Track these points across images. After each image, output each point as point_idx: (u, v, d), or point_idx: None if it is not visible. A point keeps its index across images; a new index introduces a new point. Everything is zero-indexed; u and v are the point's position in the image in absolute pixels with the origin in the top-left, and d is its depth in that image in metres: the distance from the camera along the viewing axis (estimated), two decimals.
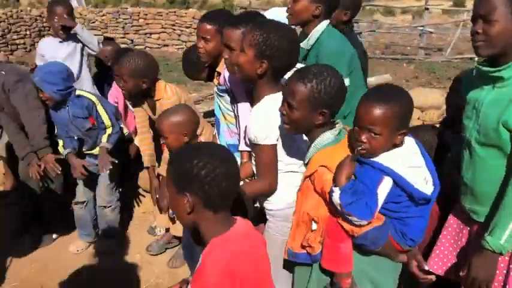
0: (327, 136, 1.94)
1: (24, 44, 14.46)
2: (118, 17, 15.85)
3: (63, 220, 4.07)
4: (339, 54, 2.66)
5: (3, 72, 3.42)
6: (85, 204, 3.83)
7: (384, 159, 1.81)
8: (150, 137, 3.53)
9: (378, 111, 1.73)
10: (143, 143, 3.52)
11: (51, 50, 4.00)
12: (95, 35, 14.06)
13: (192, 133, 2.70)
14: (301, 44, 2.54)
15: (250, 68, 2.14)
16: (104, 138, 3.51)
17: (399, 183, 1.79)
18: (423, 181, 1.84)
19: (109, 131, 3.52)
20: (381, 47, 15.81)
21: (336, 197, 1.79)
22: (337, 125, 1.99)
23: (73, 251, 3.94)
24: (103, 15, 16.08)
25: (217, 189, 1.48)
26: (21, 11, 15.02)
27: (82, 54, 4.07)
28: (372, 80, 7.20)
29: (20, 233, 4.03)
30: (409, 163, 1.83)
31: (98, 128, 3.53)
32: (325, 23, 2.75)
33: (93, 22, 15.98)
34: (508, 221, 1.88)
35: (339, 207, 1.81)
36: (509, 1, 1.80)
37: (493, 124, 1.94)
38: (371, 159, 1.82)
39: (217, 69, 2.78)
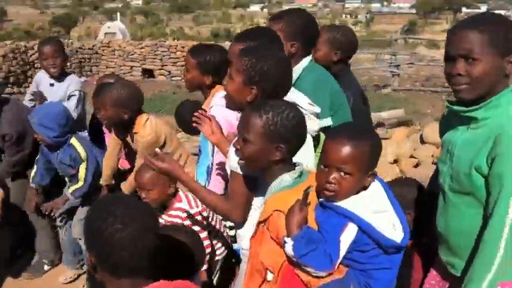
0: (285, 178, 1.79)
1: None
2: (156, 50, 16.16)
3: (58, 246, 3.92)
4: (317, 91, 2.49)
5: None
6: (64, 229, 3.68)
7: (347, 203, 1.64)
8: (115, 159, 3.44)
9: (350, 149, 1.60)
10: (107, 162, 3.44)
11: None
12: (133, 67, 14.38)
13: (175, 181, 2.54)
14: None
15: (239, 95, 2.05)
16: (71, 189, 3.41)
17: (366, 230, 1.60)
18: (391, 227, 1.63)
19: (79, 184, 3.40)
20: (420, 79, 15.54)
21: (289, 248, 1.62)
22: (297, 167, 1.82)
23: (61, 280, 3.79)
24: (142, 47, 16.43)
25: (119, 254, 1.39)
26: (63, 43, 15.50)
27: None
28: (384, 116, 6.89)
29: (11, 258, 3.91)
30: (375, 207, 1.64)
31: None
32: (306, 60, 2.62)
33: (132, 54, 16.33)
34: (482, 277, 1.57)
35: (293, 259, 1.63)
36: (490, 37, 1.61)
37: (466, 169, 1.71)
38: (334, 203, 1.65)
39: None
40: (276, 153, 1.76)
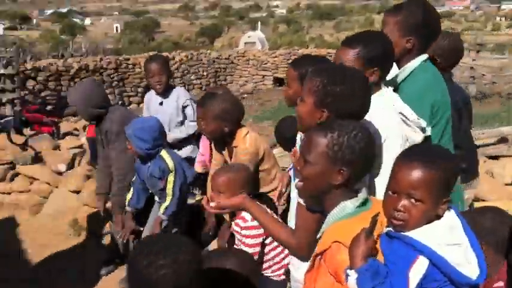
0: (347, 206, 1.66)
1: (200, 84, 15.50)
2: (289, 58, 16.17)
3: None
4: (423, 95, 2.27)
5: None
6: None
7: (418, 234, 1.49)
8: None
9: (421, 173, 1.47)
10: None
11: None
12: (265, 75, 14.54)
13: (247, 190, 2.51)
14: (390, 77, 2.30)
15: (309, 118, 1.89)
16: (162, 208, 3.33)
17: (438, 265, 1.45)
18: (466, 262, 1.47)
19: (167, 201, 3.30)
20: None
21: (352, 281, 1.48)
22: (360, 194, 1.68)
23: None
24: (275, 56, 16.56)
25: None
26: (201, 53, 16.18)
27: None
28: (504, 130, 5.94)
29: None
30: (449, 239, 1.49)
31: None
32: (419, 59, 2.35)
33: (266, 63, 16.54)
34: None
35: None
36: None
37: None
38: (403, 233, 1.50)
39: None
40: (337, 177, 1.63)
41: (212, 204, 2.14)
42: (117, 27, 74.36)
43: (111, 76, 13.42)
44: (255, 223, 2.39)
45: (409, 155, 1.54)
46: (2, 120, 5.18)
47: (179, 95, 3.93)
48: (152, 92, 3.99)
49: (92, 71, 12.82)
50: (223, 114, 2.93)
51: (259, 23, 37.98)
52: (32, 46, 24.85)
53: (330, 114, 1.84)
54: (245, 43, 25.16)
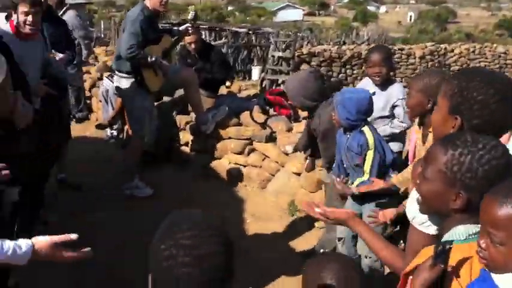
0: (458, 231, 1.46)
1: None
2: None
3: None
4: None
5: None
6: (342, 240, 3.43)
7: (502, 280, 1.29)
8: None
9: (504, 212, 1.27)
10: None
11: None
12: None
13: None
14: None
15: (442, 125, 1.73)
16: (357, 181, 3.17)
17: None
18: None
19: (364, 177, 3.11)
20: None
21: None
22: None
23: None
24: None
25: None
26: (485, 47, 14.77)
27: None
28: None
29: None
30: None
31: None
32: None
33: None
34: None
35: None
36: None
37: None
38: (490, 273, 1.31)
39: None
40: (455, 201, 1.45)
41: (318, 210, 1.99)
42: (410, 16, 73.40)
43: None
44: None
45: (500, 188, 1.32)
46: (254, 100, 5.69)
47: (394, 91, 3.77)
48: (369, 80, 3.89)
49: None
50: (426, 88, 2.73)
51: None
52: (320, 32, 26.42)
53: (463, 123, 1.63)
54: None
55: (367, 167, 3.11)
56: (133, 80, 4.58)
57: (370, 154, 3.12)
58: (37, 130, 2.53)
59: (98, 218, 4.34)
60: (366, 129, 3.19)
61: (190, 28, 5.00)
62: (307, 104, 3.54)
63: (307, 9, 78.08)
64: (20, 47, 3.51)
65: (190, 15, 5.25)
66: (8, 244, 1.60)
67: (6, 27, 3.63)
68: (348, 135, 3.22)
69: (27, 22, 3.59)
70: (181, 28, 5.02)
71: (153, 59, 4.50)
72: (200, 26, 17.98)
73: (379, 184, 2.98)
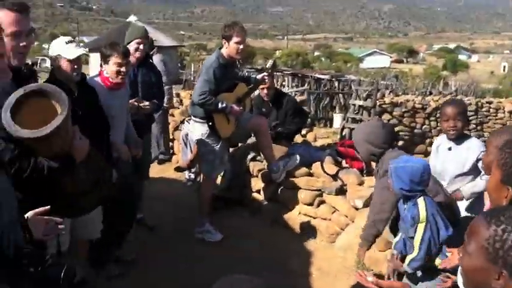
0: None
1: None
2: None
3: None
4: None
5: None
6: None
7: None
8: None
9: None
10: None
11: None
12: None
13: None
14: None
15: (495, 194, 1.70)
16: (407, 259, 3.01)
17: None
18: None
19: (413, 254, 2.96)
20: None
21: None
22: None
23: None
24: None
25: None
26: None
27: None
28: None
29: None
30: None
31: None
32: None
33: None
34: None
35: None
36: None
37: None
38: None
39: None
40: (497, 280, 1.38)
41: (370, 279, 1.94)
42: (504, 67, 70.47)
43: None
44: None
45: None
46: (327, 150, 5.69)
47: (473, 146, 3.68)
48: (444, 136, 3.84)
49: None
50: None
51: None
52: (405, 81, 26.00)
53: None
54: None
55: (416, 241, 2.97)
56: (206, 125, 4.75)
57: (420, 228, 2.98)
58: (97, 168, 2.63)
59: (167, 260, 4.48)
60: (420, 200, 3.06)
61: (266, 77, 5.14)
62: (373, 151, 3.51)
63: (395, 56, 77.36)
64: (108, 97, 3.82)
65: (268, 64, 5.42)
66: None
67: (97, 78, 3.96)
68: (405, 206, 3.13)
69: (120, 73, 3.88)
70: (258, 77, 5.16)
71: (223, 105, 4.64)
72: (283, 72, 18.39)
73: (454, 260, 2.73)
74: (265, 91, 5.68)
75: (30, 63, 7.89)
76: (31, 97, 2.12)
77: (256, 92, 6.25)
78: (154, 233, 5.03)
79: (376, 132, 3.51)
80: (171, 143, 7.95)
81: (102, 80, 3.92)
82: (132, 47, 4.54)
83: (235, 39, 4.60)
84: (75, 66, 3.37)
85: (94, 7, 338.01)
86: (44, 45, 58.78)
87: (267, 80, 5.24)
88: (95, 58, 26.05)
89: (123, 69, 3.87)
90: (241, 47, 4.63)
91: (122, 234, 4.14)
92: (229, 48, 4.65)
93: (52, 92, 2.19)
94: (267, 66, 5.40)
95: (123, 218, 4.02)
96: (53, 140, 2.18)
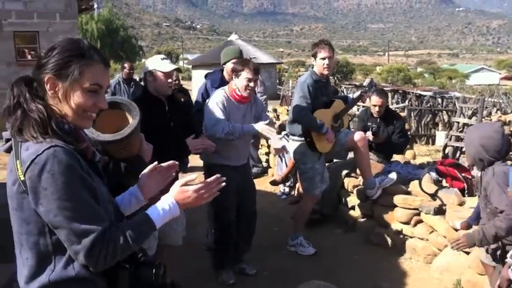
0: None
1: None
2: None
3: None
4: None
5: None
6: None
7: None
8: None
9: None
10: None
11: None
12: None
13: None
14: None
15: None
16: None
17: None
18: None
19: None
20: None
21: None
22: None
23: None
24: None
25: None
26: None
27: None
28: None
29: None
30: None
31: None
32: None
33: None
34: None
35: None
36: None
37: None
38: None
39: None
40: None
41: None
42: None
43: None
44: None
45: None
46: (426, 168, 5.48)
47: None
48: None
49: None
50: None
51: None
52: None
53: None
54: None
55: None
56: (304, 142, 4.78)
57: None
58: None
59: (259, 272, 4.56)
60: None
61: (364, 95, 5.09)
62: (483, 157, 3.17)
63: (504, 72, 72.69)
64: (232, 109, 4.12)
65: (366, 82, 5.37)
66: (157, 210, 1.68)
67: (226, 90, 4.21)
68: None
69: (248, 87, 4.06)
70: (355, 95, 5.13)
71: (321, 122, 4.64)
72: (383, 88, 17.98)
73: None
74: (376, 109, 5.63)
75: (138, 79, 8.42)
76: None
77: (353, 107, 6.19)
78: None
79: (494, 138, 3.19)
80: (266, 157, 8.10)
81: (230, 92, 4.13)
82: (228, 67, 4.71)
83: (320, 55, 4.65)
84: (169, 80, 3.67)
85: (198, 26, 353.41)
86: None
87: (363, 97, 5.17)
88: (197, 74, 27.06)
89: (251, 84, 4.06)
90: (326, 62, 4.65)
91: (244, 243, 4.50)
92: (317, 65, 4.71)
93: (124, 104, 2.59)
94: (364, 84, 5.36)
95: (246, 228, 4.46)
96: (127, 143, 2.52)
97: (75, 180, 1.49)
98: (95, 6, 25.59)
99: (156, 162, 1.91)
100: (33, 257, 1.55)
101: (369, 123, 5.71)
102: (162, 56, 3.79)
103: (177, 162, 1.93)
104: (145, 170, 1.89)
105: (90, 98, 1.60)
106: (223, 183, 1.77)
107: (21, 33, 13.21)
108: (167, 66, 3.65)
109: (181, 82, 8.31)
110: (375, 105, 5.61)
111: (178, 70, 4.18)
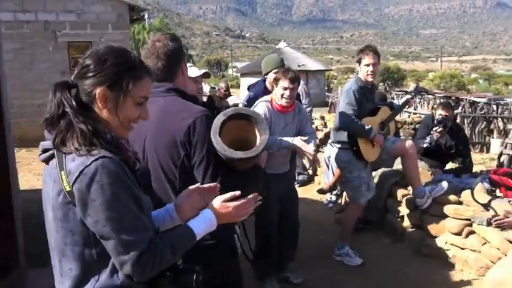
0: None
1: None
2: None
3: None
4: None
5: None
6: None
7: None
8: None
9: None
10: None
11: None
12: None
13: None
14: None
15: None
16: None
17: None
18: None
19: None
20: None
21: None
22: None
23: None
24: None
25: None
26: None
27: None
28: None
29: None
30: None
31: None
32: None
33: None
34: None
35: None
36: None
37: None
38: None
39: None
40: None
41: None
42: None
43: None
44: None
45: None
46: (479, 178, 5.29)
47: None
48: None
49: None
50: None
51: None
52: None
53: None
54: None
55: None
56: (350, 151, 4.71)
57: None
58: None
59: (305, 282, 4.51)
60: None
61: (410, 101, 4.98)
62: None
63: None
64: (273, 117, 4.13)
65: (411, 88, 5.26)
66: (198, 222, 1.70)
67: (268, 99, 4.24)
68: None
69: (285, 96, 4.07)
70: (400, 102, 5.03)
71: (369, 127, 4.57)
72: (435, 95, 17.52)
73: None
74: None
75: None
76: (229, 120, 2.35)
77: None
78: None
79: None
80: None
81: (271, 101, 4.18)
82: (270, 77, 4.69)
83: (364, 61, 4.60)
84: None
85: (247, 35, 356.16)
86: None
87: (410, 103, 5.07)
88: (246, 81, 27.29)
89: (287, 92, 4.07)
90: (370, 68, 4.58)
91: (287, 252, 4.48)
92: (361, 71, 4.65)
93: (251, 116, 2.39)
94: (409, 90, 5.25)
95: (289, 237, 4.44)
96: (256, 157, 2.37)
97: (123, 190, 1.50)
98: (146, 16, 26.26)
99: (198, 184, 1.88)
100: (78, 268, 1.55)
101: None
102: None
103: (218, 185, 1.88)
104: (185, 191, 1.86)
105: (137, 110, 1.62)
106: (260, 202, 1.78)
107: (75, 43, 13.67)
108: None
109: (230, 90, 8.36)
110: (440, 115, 5.50)
111: (207, 75, 4.19)
